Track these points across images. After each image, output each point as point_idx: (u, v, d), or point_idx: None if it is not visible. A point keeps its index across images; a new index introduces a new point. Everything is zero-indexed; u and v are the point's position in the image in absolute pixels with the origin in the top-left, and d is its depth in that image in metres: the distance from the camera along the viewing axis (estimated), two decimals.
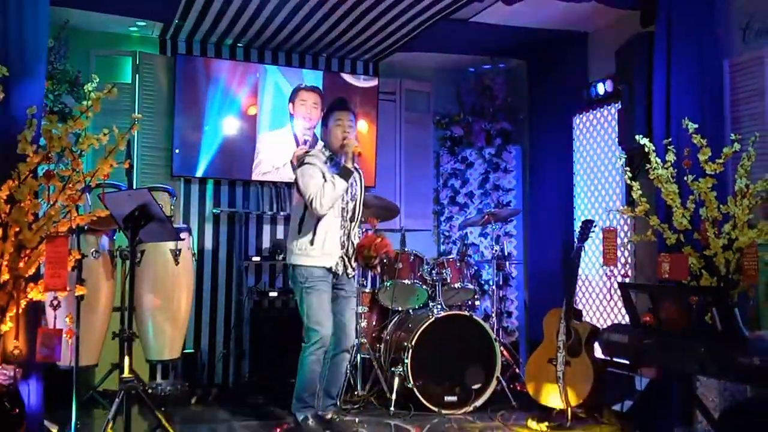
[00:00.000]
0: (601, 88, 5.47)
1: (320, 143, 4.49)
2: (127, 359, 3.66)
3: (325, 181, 4.04)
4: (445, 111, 6.79)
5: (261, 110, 6.00)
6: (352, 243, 4.23)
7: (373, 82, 6.38)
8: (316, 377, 4.11)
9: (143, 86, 5.74)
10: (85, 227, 3.96)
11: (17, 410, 3.09)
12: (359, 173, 4.32)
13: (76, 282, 3.87)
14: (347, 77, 6.30)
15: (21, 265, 3.31)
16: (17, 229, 3.29)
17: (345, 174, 4.07)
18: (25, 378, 3.33)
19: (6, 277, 3.28)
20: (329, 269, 4.12)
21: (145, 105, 5.72)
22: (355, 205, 4.26)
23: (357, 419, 4.56)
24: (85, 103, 3.50)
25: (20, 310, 3.33)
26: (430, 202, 6.78)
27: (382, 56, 6.38)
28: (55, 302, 3.48)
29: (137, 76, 5.74)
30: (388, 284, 5.22)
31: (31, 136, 3.35)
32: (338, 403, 4.33)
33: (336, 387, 4.27)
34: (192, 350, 5.61)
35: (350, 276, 4.23)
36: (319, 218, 4.08)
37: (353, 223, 4.25)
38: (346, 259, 4.19)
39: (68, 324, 3.76)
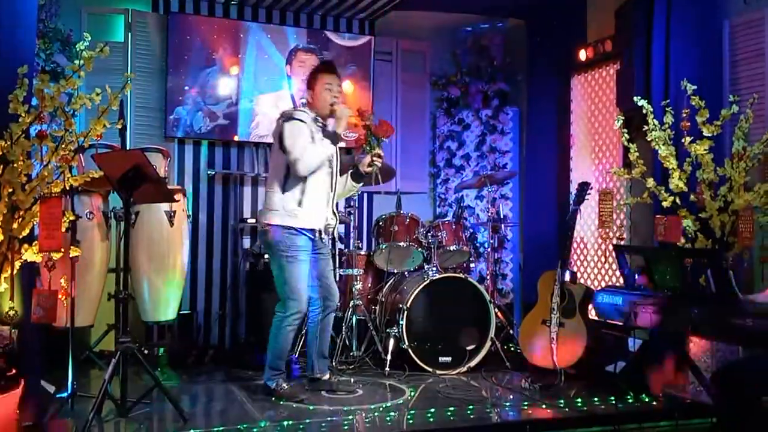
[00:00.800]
0: (600, 49, 5.44)
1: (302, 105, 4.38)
2: (123, 320, 3.69)
3: (313, 142, 4.00)
4: (441, 72, 6.75)
5: (256, 71, 5.95)
6: (333, 212, 4.22)
7: (360, 41, 6.28)
8: (288, 346, 4.17)
9: (136, 45, 5.68)
10: (79, 188, 3.95)
11: (14, 371, 3.13)
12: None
13: (70, 243, 3.88)
14: (330, 35, 6.22)
15: (15, 226, 3.32)
16: (10, 190, 3.29)
17: (335, 140, 4.03)
18: (22, 339, 3.35)
19: (0, 238, 3.29)
20: (311, 236, 4.09)
21: (138, 64, 5.66)
22: (337, 168, 4.23)
23: (352, 379, 4.62)
24: (77, 62, 3.47)
25: (15, 272, 3.34)
26: (426, 164, 6.77)
27: (377, 14, 6.31)
28: (50, 263, 3.50)
29: (130, 34, 5.67)
30: (384, 246, 5.24)
31: (23, 95, 3.32)
32: (327, 359, 4.44)
33: (326, 344, 4.35)
34: (188, 311, 5.64)
35: (324, 241, 4.21)
36: (299, 178, 4.01)
37: (336, 185, 4.22)
38: (329, 220, 4.19)
39: (63, 285, 3.79)
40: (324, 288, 4.24)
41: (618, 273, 4.92)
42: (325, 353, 4.35)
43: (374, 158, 4.12)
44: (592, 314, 4.62)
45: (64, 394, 3.81)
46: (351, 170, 4.23)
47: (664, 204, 4.26)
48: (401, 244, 5.24)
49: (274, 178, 4.11)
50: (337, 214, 4.27)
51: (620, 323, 4.22)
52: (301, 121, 4.04)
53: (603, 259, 5.51)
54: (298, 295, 4.06)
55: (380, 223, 5.40)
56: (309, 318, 4.30)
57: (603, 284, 5.46)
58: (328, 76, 4.16)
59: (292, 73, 6.06)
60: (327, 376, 4.31)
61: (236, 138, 5.92)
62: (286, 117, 4.08)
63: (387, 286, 5.34)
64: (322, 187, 4.11)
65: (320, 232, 4.13)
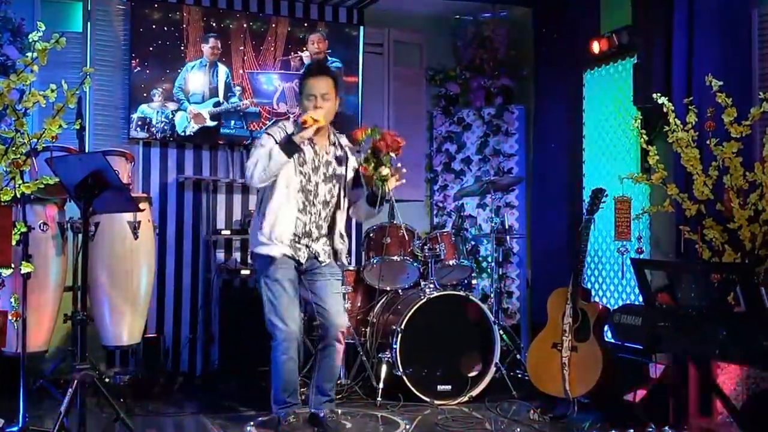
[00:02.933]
0: (615, 41, 5.46)
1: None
2: (81, 345, 3.67)
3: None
4: (439, 66, 6.76)
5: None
6: (323, 228, 4.12)
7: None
8: (292, 376, 4.08)
9: (96, 36, 5.67)
10: (32, 196, 3.93)
11: None
12: (344, 151, 4.20)
13: (21, 258, 3.85)
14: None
15: None
16: None
17: (286, 146, 3.90)
18: None
19: None
20: (289, 255, 4.02)
21: (98, 57, 5.66)
22: (337, 189, 4.14)
23: (340, 411, 4.59)
24: (29, 54, 3.46)
25: None
26: (422, 169, 6.78)
27: (366, 1, 6.32)
28: None
29: (89, 23, 5.67)
30: (375, 261, 5.23)
31: None
32: (333, 399, 4.28)
33: (329, 381, 4.21)
34: (154, 335, 5.62)
35: (324, 263, 4.13)
36: (267, 199, 4.00)
37: (327, 208, 4.13)
38: (312, 247, 4.08)
39: (14, 305, 3.76)
40: (321, 315, 4.14)
41: (637, 290, 4.92)
42: (324, 389, 4.19)
43: (379, 180, 3.91)
44: (609, 336, 4.61)
45: (15, 428, 3.78)
46: (367, 193, 4.10)
47: (688, 213, 4.27)
48: (395, 258, 5.23)
49: (257, 198, 4.19)
50: (336, 240, 4.17)
51: (640, 346, 4.23)
52: (267, 134, 4.05)
53: (620, 275, 5.51)
54: (280, 321, 4.00)
55: (371, 235, 5.39)
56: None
57: (620, 303, 5.46)
58: (312, 81, 4.07)
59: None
60: (322, 414, 4.17)
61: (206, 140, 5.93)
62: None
63: (379, 305, 5.33)
64: (287, 210, 4.01)
65: (297, 250, 4.03)
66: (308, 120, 3.90)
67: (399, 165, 3.94)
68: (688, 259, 4.36)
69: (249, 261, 6.07)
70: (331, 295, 4.17)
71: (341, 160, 4.18)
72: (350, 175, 4.20)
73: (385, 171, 3.85)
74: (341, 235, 4.20)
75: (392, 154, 3.85)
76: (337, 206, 4.17)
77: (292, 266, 4.07)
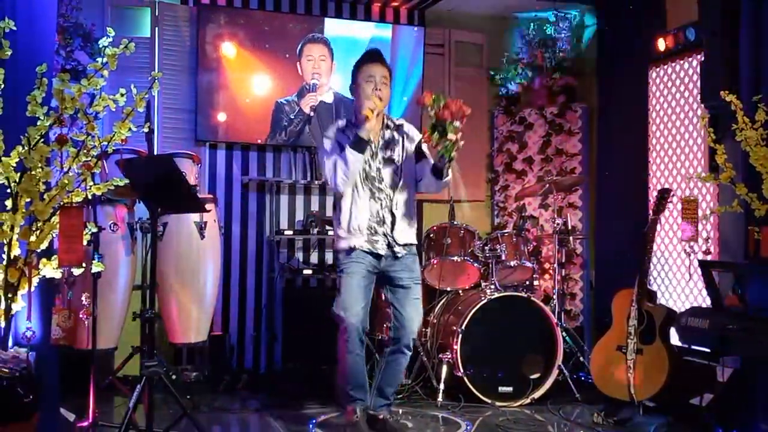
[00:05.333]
0: (681, 37, 5.34)
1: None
2: (149, 342, 3.73)
3: (339, 156, 3.96)
4: (500, 66, 6.71)
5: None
6: (395, 212, 4.09)
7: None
8: (359, 369, 4.04)
9: (164, 41, 5.78)
10: (102, 197, 4.02)
11: (31, 397, 3.18)
12: (399, 131, 4.18)
13: (92, 257, 3.94)
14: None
15: (32, 238, 3.38)
16: (28, 200, 3.36)
17: (357, 145, 3.94)
18: (39, 362, 3.41)
19: (17, 251, 3.36)
20: (366, 250, 4.03)
21: (166, 62, 5.77)
22: (396, 169, 4.12)
23: (401, 410, 4.60)
24: (100, 60, 3.53)
25: (32, 288, 3.41)
26: (483, 169, 6.74)
27: (428, 3, 6.31)
28: (71, 279, 3.56)
29: (157, 29, 5.78)
30: (435, 261, 5.21)
31: (42, 97, 3.39)
32: (392, 403, 4.26)
33: (391, 386, 4.17)
34: (220, 333, 5.70)
35: (399, 256, 4.09)
36: (340, 196, 4.06)
37: (395, 191, 4.11)
38: (389, 237, 4.07)
39: (85, 303, 3.85)
40: (397, 320, 4.11)
41: (704, 292, 4.81)
42: (385, 393, 4.15)
43: (443, 146, 3.85)
44: (675, 339, 4.51)
45: (85, 424, 3.86)
46: (432, 164, 4.06)
47: (757, 213, 4.15)
48: (455, 258, 5.21)
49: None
50: (409, 223, 4.14)
51: (707, 350, 4.13)
52: (327, 137, 4.10)
53: (687, 277, 5.40)
54: (344, 311, 3.97)
55: (431, 236, 5.37)
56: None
57: (687, 305, 5.34)
58: (372, 66, 4.10)
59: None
60: (382, 416, 4.13)
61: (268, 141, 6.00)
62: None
63: (439, 305, 5.32)
64: (361, 200, 4.04)
65: (373, 242, 4.02)
66: (368, 114, 3.92)
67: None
68: (756, 261, 4.23)
69: (312, 261, 6.14)
70: (411, 302, 4.13)
71: (397, 141, 4.17)
72: (411, 147, 4.19)
73: (451, 136, 3.80)
74: (412, 217, 4.17)
75: (456, 123, 3.81)
76: (403, 187, 4.14)
77: (369, 262, 4.05)
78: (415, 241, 4.20)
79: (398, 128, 4.21)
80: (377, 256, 4.06)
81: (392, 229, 4.08)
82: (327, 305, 4.13)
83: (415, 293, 4.16)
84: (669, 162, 5.67)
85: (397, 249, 4.08)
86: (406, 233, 4.12)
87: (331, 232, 5.32)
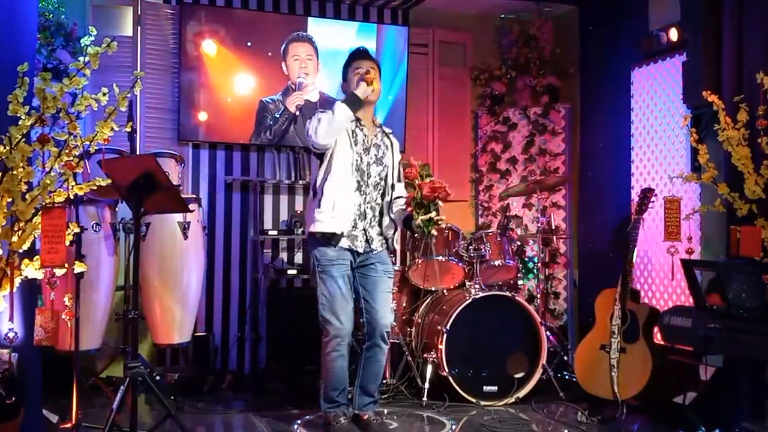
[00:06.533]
0: (663, 38, 5.37)
1: None
2: (132, 343, 3.71)
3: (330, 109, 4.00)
4: (484, 65, 6.73)
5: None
6: (376, 210, 4.14)
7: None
8: (342, 374, 4.06)
9: (146, 40, 5.76)
10: (85, 197, 3.99)
11: (14, 398, 3.16)
12: (389, 139, 4.26)
13: (75, 258, 3.92)
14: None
15: (14, 239, 3.36)
16: (9, 200, 3.33)
17: (350, 100, 3.98)
18: (22, 363, 3.39)
19: None
20: (345, 247, 4.04)
21: (149, 61, 5.74)
22: (384, 174, 4.18)
23: (386, 410, 4.60)
24: (82, 59, 3.51)
25: (14, 289, 3.39)
26: (467, 168, 6.75)
27: (412, 2, 6.32)
28: (53, 280, 3.53)
29: (139, 28, 5.75)
30: (420, 261, 5.22)
31: (23, 96, 3.36)
32: (378, 401, 4.28)
33: (373, 383, 4.19)
34: (204, 333, 5.68)
35: (376, 251, 4.16)
36: (325, 178, 4.02)
37: (378, 193, 4.16)
38: (368, 231, 4.11)
39: (67, 304, 3.82)
40: (368, 312, 4.13)
41: (687, 291, 4.84)
42: (369, 390, 4.18)
43: (423, 223, 3.96)
44: (658, 338, 4.54)
45: (68, 425, 3.85)
46: (404, 218, 4.16)
47: (739, 213, 4.19)
48: (440, 258, 5.21)
49: (311, 187, 4.19)
50: (387, 225, 4.18)
51: (690, 348, 4.15)
52: (322, 110, 4.09)
53: (670, 276, 5.42)
54: (333, 317, 4.00)
55: (415, 235, 5.37)
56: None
57: (670, 304, 5.37)
58: (360, 61, 4.17)
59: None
60: (366, 416, 4.17)
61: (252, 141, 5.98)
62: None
63: (424, 305, 5.32)
64: (346, 187, 4.04)
65: (353, 238, 4.05)
66: (368, 79, 4.00)
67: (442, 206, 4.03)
68: (739, 260, 4.26)
69: (296, 261, 6.12)
70: (381, 293, 4.17)
71: (387, 147, 4.22)
72: (396, 158, 4.26)
73: (432, 214, 3.94)
74: (391, 220, 4.20)
75: (439, 202, 3.95)
76: (386, 191, 4.20)
77: (348, 261, 4.08)
78: (391, 236, 4.24)
79: (388, 136, 4.27)
80: (355, 253, 4.09)
81: (371, 226, 4.13)
82: (312, 305, 4.13)
83: (387, 286, 4.20)
84: (652, 162, 5.70)
85: (374, 245, 4.13)
86: (381, 240, 4.18)
87: None
